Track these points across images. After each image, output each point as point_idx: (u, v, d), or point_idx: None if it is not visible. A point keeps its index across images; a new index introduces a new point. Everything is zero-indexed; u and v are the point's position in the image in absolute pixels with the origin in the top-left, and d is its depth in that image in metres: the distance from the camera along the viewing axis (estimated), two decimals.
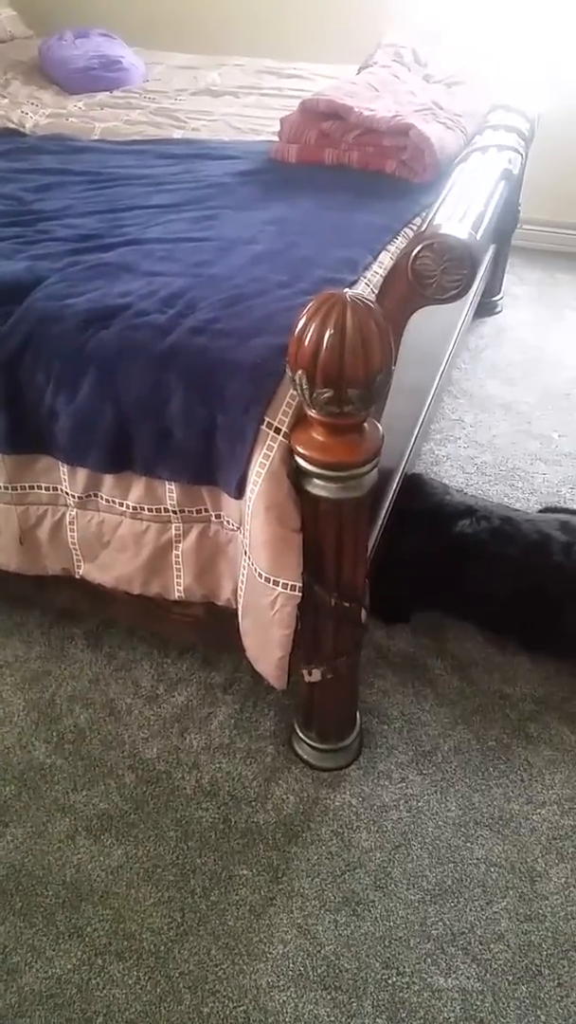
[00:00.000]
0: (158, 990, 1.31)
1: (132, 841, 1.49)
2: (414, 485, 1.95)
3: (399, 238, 1.64)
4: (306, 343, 1.07)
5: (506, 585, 1.77)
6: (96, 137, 2.32)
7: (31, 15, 3.37)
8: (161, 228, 1.68)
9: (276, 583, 1.29)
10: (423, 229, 1.34)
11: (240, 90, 2.73)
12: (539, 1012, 1.28)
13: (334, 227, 1.67)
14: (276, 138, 2.13)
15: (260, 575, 1.30)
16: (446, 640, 1.86)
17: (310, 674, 1.43)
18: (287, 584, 1.29)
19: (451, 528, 1.82)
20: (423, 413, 2.20)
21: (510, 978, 1.32)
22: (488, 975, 1.32)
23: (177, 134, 2.33)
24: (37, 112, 2.47)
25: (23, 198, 1.84)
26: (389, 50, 2.53)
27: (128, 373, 1.29)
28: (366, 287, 1.46)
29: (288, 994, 1.30)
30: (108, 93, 2.69)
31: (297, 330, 1.08)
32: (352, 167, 2.02)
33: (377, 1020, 1.27)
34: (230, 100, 2.64)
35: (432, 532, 1.84)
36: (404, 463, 2.00)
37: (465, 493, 2.02)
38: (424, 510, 1.88)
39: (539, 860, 1.47)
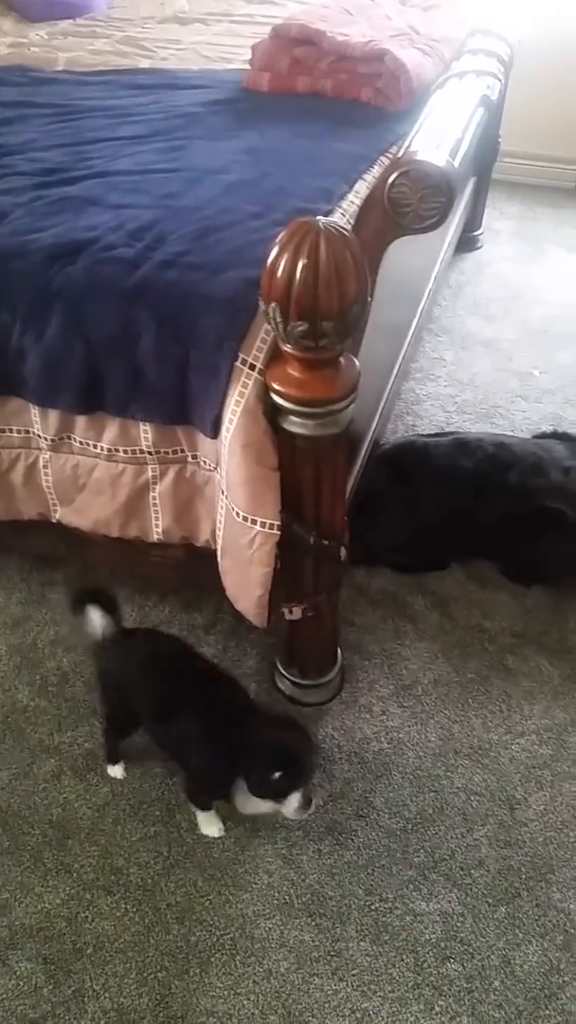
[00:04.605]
0: (146, 921, 1.34)
1: (118, 779, 1.51)
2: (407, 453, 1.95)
3: (375, 167, 1.60)
4: (279, 274, 1.04)
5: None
6: (60, 68, 2.24)
7: None
8: (128, 160, 1.63)
9: (255, 522, 1.28)
10: (399, 156, 1.30)
11: (209, 17, 2.64)
12: (517, 931, 1.32)
13: (308, 156, 1.63)
14: (247, 66, 2.07)
15: (238, 515, 1.29)
16: (426, 577, 1.87)
17: (291, 612, 1.44)
18: (265, 523, 1.28)
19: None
20: (403, 352, 2.18)
21: (490, 900, 1.36)
22: (468, 898, 1.36)
23: (144, 64, 2.26)
24: None
25: None
26: None
27: (97, 310, 1.26)
28: (341, 217, 1.42)
29: (273, 921, 1.33)
30: (71, 21, 2.59)
31: (269, 261, 1.05)
32: (326, 95, 1.96)
33: (361, 943, 1.31)
34: (199, 28, 2.55)
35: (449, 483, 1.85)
36: (384, 403, 1.99)
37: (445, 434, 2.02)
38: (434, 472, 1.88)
39: (518, 788, 1.50)
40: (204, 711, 1.35)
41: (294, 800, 1.26)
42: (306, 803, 1.27)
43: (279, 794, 1.27)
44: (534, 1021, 1.23)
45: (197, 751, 1.35)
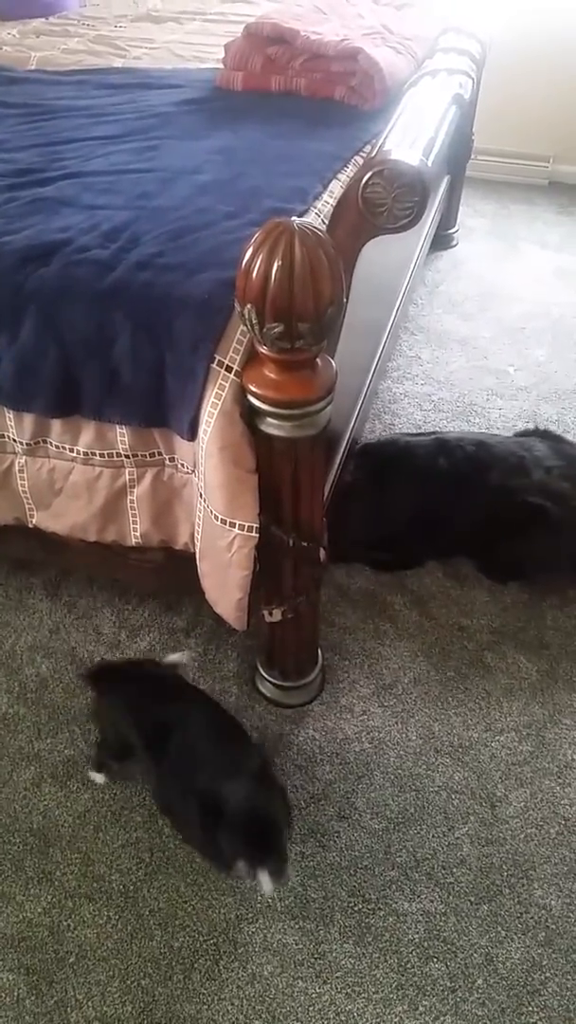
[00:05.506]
0: (129, 928, 1.33)
1: (99, 785, 1.50)
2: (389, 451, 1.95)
3: (349, 166, 1.60)
4: (254, 276, 1.04)
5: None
6: (32, 67, 2.22)
7: None
8: (102, 160, 1.61)
9: (233, 525, 1.27)
10: (373, 156, 1.30)
11: (183, 16, 2.62)
12: (499, 928, 1.32)
13: (282, 156, 1.62)
14: (221, 65, 2.05)
15: (216, 517, 1.28)
16: (405, 576, 1.87)
17: (271, 614, 1.43)
18: (244, 525, 1.27)
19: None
20: (379, 351, 2.18)
21: (472, 899, 1.36)
22: (451, 897, 1.36)
23: (118, 63, 2.24)
24: None
25: None
26: None
27: (71, 312, 1.25)
28: (316, 217, 1.42)
29: (257, 925, 1.33)
30: (43, 19, 2.57)
31: (244, 262, 1.05)
32: (300, 94, 1.95)
33: (344, 945, 1.31)
34: (172, 27, 2.54)
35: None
36: (361, 402, 1.99)
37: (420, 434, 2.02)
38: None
39: (498, 786, 1.50)
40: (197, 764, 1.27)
41: (264, 881, 1.17)
42: (277, 876, 1.17)
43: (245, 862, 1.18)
44: (517, 1018, 1.23)
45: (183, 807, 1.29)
